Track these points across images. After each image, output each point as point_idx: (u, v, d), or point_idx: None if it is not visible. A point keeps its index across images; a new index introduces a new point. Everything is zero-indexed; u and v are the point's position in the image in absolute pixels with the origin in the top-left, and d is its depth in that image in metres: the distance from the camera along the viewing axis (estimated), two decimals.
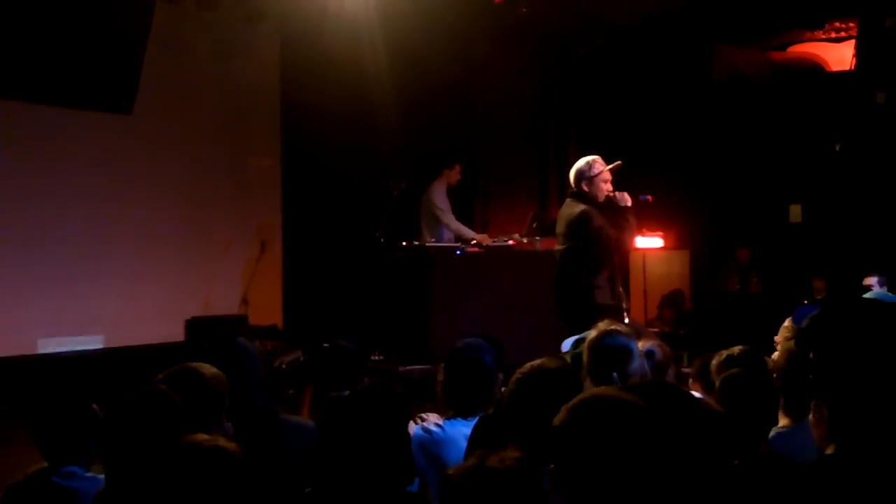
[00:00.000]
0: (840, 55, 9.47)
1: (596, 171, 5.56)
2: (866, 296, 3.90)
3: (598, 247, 5.49)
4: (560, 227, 5.67)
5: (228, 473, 1.93)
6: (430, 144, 9.17)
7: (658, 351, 3.49)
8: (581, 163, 5.65)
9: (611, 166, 5.60)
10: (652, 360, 3.31)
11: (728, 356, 3.32)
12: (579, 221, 5.50)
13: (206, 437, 2.04)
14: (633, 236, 5.69)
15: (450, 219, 8.26)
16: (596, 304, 5.39)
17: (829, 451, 1.84)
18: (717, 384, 3.31)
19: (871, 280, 7.57)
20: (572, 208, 5.58)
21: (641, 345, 3.25)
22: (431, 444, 3.07)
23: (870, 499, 1.74)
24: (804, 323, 1.98)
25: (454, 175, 8.47)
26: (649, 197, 5.68)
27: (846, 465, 1.79)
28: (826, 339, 1.87)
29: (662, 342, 3.72)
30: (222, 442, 2.00)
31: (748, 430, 2.65)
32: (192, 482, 1.91)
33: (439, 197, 8.32)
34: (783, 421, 2.92)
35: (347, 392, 2.88)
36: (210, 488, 1.91)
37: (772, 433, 2.84)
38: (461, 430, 3.07)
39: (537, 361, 2.56)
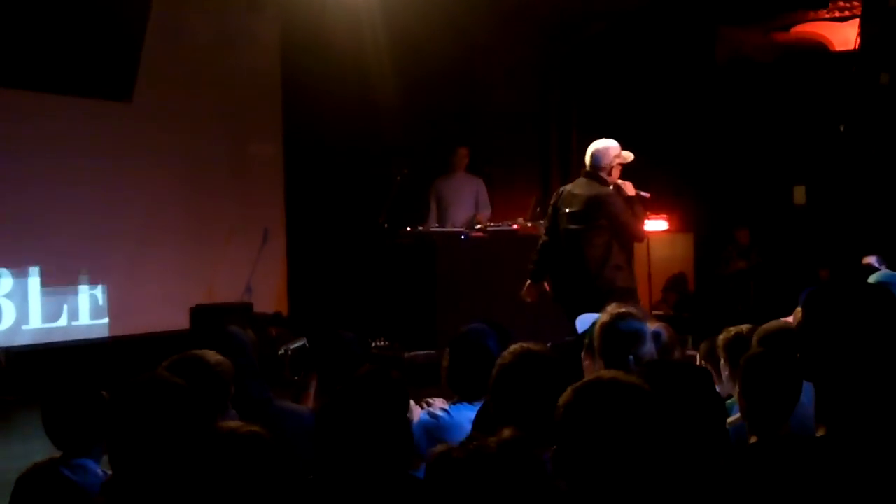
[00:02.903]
0: (844, 35, 9.39)
1: (615, 157, 5.54)
2: (872, 277, 3.87)
3: (620, 230, 5.49)
4: (577, 206, 5.53)
5: (267, 459, 1.96)
6: (432, 129, 9.15)
7: (664, 333, 3.50)
8: (601, 144, 5.58)
9: (627, 155, 5.56)
10: (659, 343, 3.31)
11: (737, 334, 3.32)
12: (605, 203, 5.46)
13: (239, 423, 2.05)
14: (643, 225, 5.69)
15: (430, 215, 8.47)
16: (618, 286, 5.36)
17: (819, 433, 1.84)
18: (724, 360, 3.32)
19: (871, 259, 7.49)
20: (592, 189, 5.51)
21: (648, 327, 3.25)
22: (438, 429, 3.07)
23: (854, 483, 1.73)
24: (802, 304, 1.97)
25: (457, 160, 8.51)
26: (647, 194, 5.67)
27: (834, 449, 1.78)
28: (813, 321, 1.86)
29: (667, 325, 3.72)
30: (257, 429, 2.01)
31: (771, 410, 2.64)
32: (235, 469, 1.92)
33: (435, 187, 8.52)
34: None
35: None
36: (252, 475, 1.93)
37: None
38: (467, 414, 3.07)
39: (516, 346, 2.54)
